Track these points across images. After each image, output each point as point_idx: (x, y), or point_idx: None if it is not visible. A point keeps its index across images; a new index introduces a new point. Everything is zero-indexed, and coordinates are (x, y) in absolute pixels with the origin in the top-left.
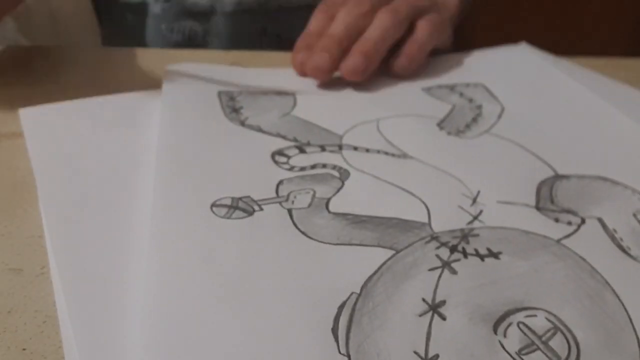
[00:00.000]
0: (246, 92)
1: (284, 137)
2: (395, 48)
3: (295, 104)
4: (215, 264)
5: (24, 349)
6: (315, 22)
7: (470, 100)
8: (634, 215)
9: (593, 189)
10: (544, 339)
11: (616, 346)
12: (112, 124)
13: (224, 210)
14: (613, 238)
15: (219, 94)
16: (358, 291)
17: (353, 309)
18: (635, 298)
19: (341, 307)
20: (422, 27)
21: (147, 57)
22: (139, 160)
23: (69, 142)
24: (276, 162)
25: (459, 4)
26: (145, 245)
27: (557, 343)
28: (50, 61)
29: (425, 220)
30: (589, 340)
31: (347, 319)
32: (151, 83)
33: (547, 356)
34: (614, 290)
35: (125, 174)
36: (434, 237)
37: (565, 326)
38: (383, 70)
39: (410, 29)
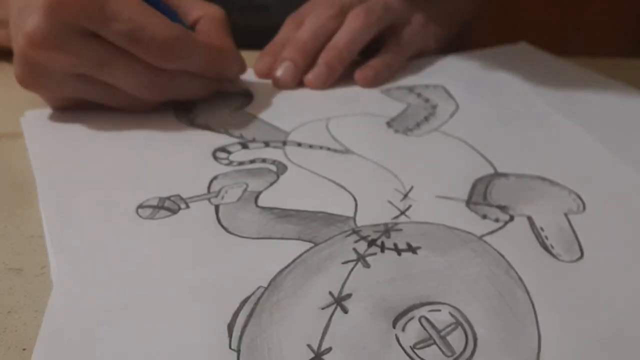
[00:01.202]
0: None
1: (230, 135)
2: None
3: (251, 100)
4: (130, 265)
5: (24, 349)
6: (283, 31)
7: (427, 100)
8: (565, 214)
9: (529, 188)
10: (442, 333)
11: (515, 344)
12: (110, 126)
13: (148, 211)
14: (538, 236)
15: None
16: (265, 285)
17: (256, 304)
18: (547, 295)
19: (244, 301)
20: (396, 42)
21: None
22: (138, 161)
23: (69, 144)
24: (216, 158)
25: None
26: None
27: (455, 338)
28: None
29: (350, 214)
30: (488, 337)
31: (248, 313)
32: None
33: (441, 351)
34: (525, 288)
35: (125, 175)
36: (355, 231)
37: (468, 322)
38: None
39: (388, 33)
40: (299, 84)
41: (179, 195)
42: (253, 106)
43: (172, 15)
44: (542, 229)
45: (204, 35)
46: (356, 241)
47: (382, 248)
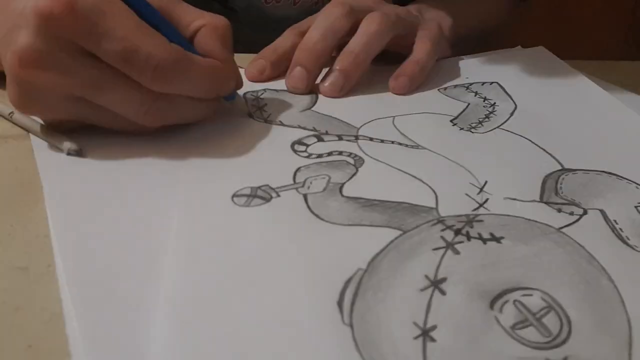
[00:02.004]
0: (270, 90)
1: (303, 128)
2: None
3: (315, 101)
4: (234, 249)
5: (29, 346)
6: (281, 38)
7: (485, 99)
8: (636, 207)
9: (598, 182)
10: (537, 315)
11: (608, 328)
12: None
13: (243, 199)
14: (613, 228)
15: (244, 93)
16: (364, 267)
17: (359, 284)
18: (630, 284)
19: (347, 281)
20: (422, 46)
21: None
22: (144, 159)
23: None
24: (295, 151)
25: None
26: (170, 239)
27: (550, 320)
28: None
29: (433, 205)
30: (581, 320)
31: (353, 292)
32: None
33: (539, 332)
34: (609, 277)
35: (131, 173)
36: (440, 221)
37: (559, 305)
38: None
39: (398, 43)
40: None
41: (268, 185)
42: (319, 106)
43: (170, 30)
44: (615, 221)
45: (201, 47)
46: (442, 230)
47: (468, 237)
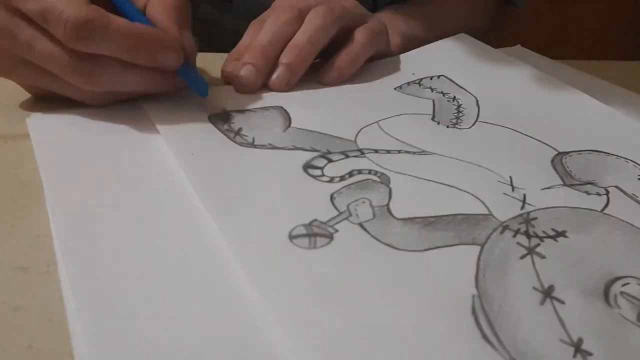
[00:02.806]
0: (234, 112)
1: (302, 149)
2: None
3: (289, 116)
4: (329, 300)
5: (30, 346)
6: (246, 35)
7: (443, 93)
8: (639, 179)
9: (594, 162)
10: None
11: None
12: (116, 129)
13: (305, 241)
14: (637, 202)
15: (209, 118)
16: (475, 292)
17: (484, 312)
18: None
19: (474, 312)
20: (359, 37)
21: None
22: (143, 161)
23: (75, 145)
24: (312, 176)
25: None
26: (256, 299)
27: None
28: None
29: (486, 211)
30: None
31: (486, 322)
32: None
33: None
34: None
35: (130, 174)
36: (505, 227)
37: None
38: (357, 72)
39: (345, 37)
40: (262, 86)
41: (317, 220)
42: (296, 122)
43: (128, 7)
44: (635, 195)
45: (151, 18)
46: (513, 236)
47: (539, 238)
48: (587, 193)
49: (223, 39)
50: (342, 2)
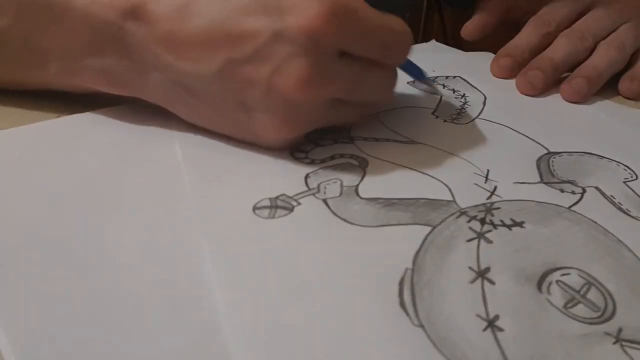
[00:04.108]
0: None
1: None
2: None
3: None
4: (278, 264)
5: None
6: (524, 35)
7: (454, 90)
8: (624, 182)
9: (583, 163)
10: (581, 293)
11: None
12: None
13: (266, 212)
14: (613, 203)
15: None
16: (411, 267)
17: (411, 284)
18: None
19: (401, 282)
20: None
21: None
22: (221, 165)
23: (29, 164)
24: (296, 159)
25: None
26: (207, 259)
27: (594, 296)
28: None
29: (450, 198)
30: (620, 291)
31: (410, 293)
32: None
33: (589, 308)
34: (628, 247)
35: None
36: (463, 212)
37: (597, 280)
38: None
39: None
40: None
41: (285, 194)
42: None
43: None
44: (612, 196)
45: None
46: (468, 221)
47: (494, 225)
48: (562, 191)
49: None
50: (631, 32)
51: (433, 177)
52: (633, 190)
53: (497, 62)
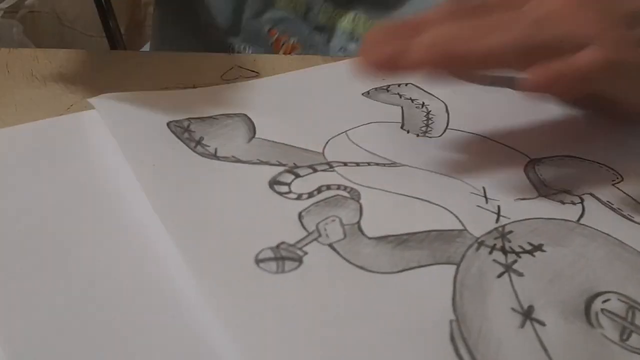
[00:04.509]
0: (195, 119)
1: (267, 163)
2: None
3: (253, 125)
4: (295, 323)
5: None
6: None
7: (412, 100)
8: (613, 184)
9: (567, 167)
10: (629, 320)
11: None
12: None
13: (273, 265)
14: (613, 209)
15: (169, 124)
16: (453, 317)
17: (463, 338)
18: None
19: (452, 339)
20: None
21: (156, 61)
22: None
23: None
24: (278, 193)
25: None
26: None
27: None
28: (55, 64)
29: (460, 226)
30: None
31: (466, 350)
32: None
33: None
34: None
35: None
36: (480, 243)
37: (636, 302)
38: None
39: None
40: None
41: (285, 242)
42: (261, 131)
43: None
44: (610, 202)
45: None
46: (489, 252)
47: (516, 254)
48: (562, 202)
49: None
50: None
51: (433, 204)
52: (625, 193)
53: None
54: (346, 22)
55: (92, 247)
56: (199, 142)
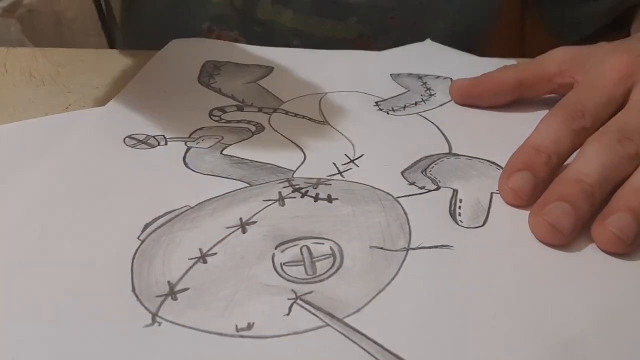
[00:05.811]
0: (232, 63)
1: (233, 98)
2: None
3: (267, 75)
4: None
5: None
6: (545, 130)
7: (428, 89)
8: (492, 193)
9: (473, 168)
10: (314, 259)
11: (374, 276)
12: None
13: (133, 142)
14: (451, 205)
15: (206, 62)
16: (192, 205)
17: (177, 215)
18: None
19: (168, 212)
20: None
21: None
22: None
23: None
24: (211, 116)
25: None
26: None
27: (324, 264)
28: (53, 63)
29: (293, 168)
30: (350, 267)
31: (166, 220)
32: None
33: (305, 270)
34: (409, 239)
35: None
36: (289, 180)
37: (341, 253)
38: None
39: None
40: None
41: (163, 136)
42: (267, 81)
43: None
44: (460, 200)
45: None
46: (285, 187)
47: (303, 195)
48: (412, 183)
49: (282, 40)
50: None
51: (301, 150)
52: (490, 202)
53: (509, 180)
54: (287, 19)
55: (89, 244)
56: (209, 75)
